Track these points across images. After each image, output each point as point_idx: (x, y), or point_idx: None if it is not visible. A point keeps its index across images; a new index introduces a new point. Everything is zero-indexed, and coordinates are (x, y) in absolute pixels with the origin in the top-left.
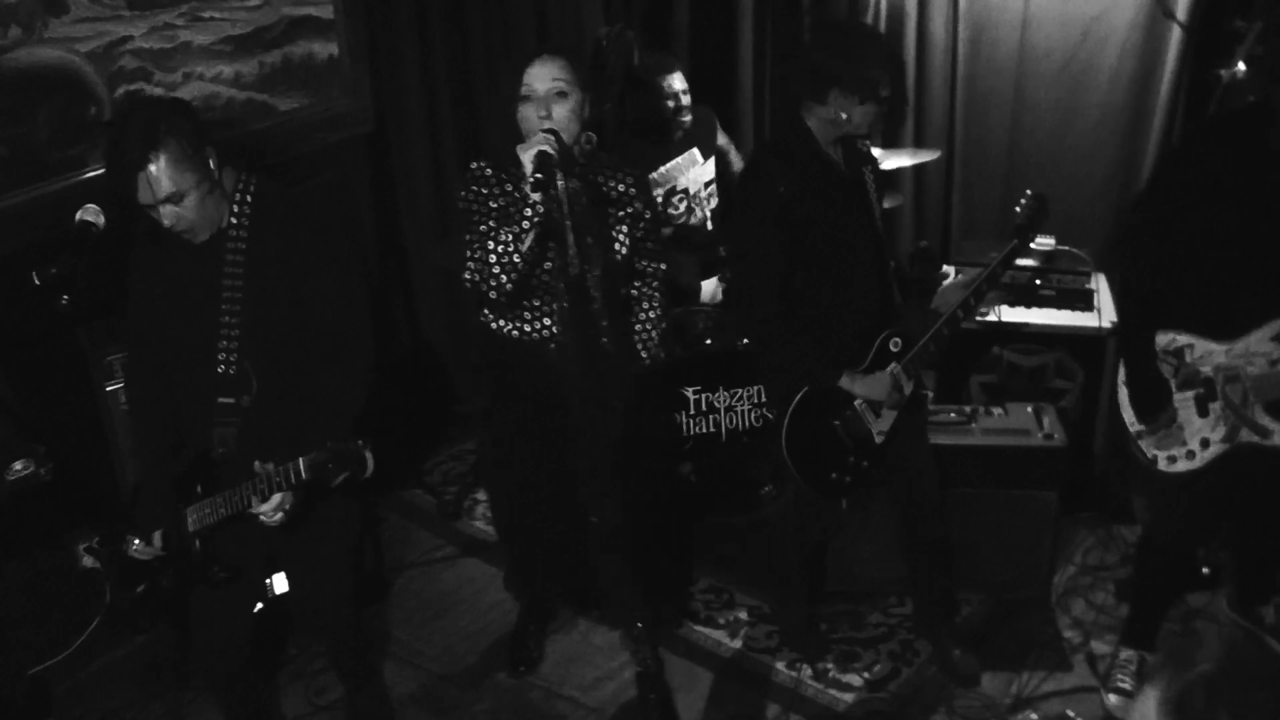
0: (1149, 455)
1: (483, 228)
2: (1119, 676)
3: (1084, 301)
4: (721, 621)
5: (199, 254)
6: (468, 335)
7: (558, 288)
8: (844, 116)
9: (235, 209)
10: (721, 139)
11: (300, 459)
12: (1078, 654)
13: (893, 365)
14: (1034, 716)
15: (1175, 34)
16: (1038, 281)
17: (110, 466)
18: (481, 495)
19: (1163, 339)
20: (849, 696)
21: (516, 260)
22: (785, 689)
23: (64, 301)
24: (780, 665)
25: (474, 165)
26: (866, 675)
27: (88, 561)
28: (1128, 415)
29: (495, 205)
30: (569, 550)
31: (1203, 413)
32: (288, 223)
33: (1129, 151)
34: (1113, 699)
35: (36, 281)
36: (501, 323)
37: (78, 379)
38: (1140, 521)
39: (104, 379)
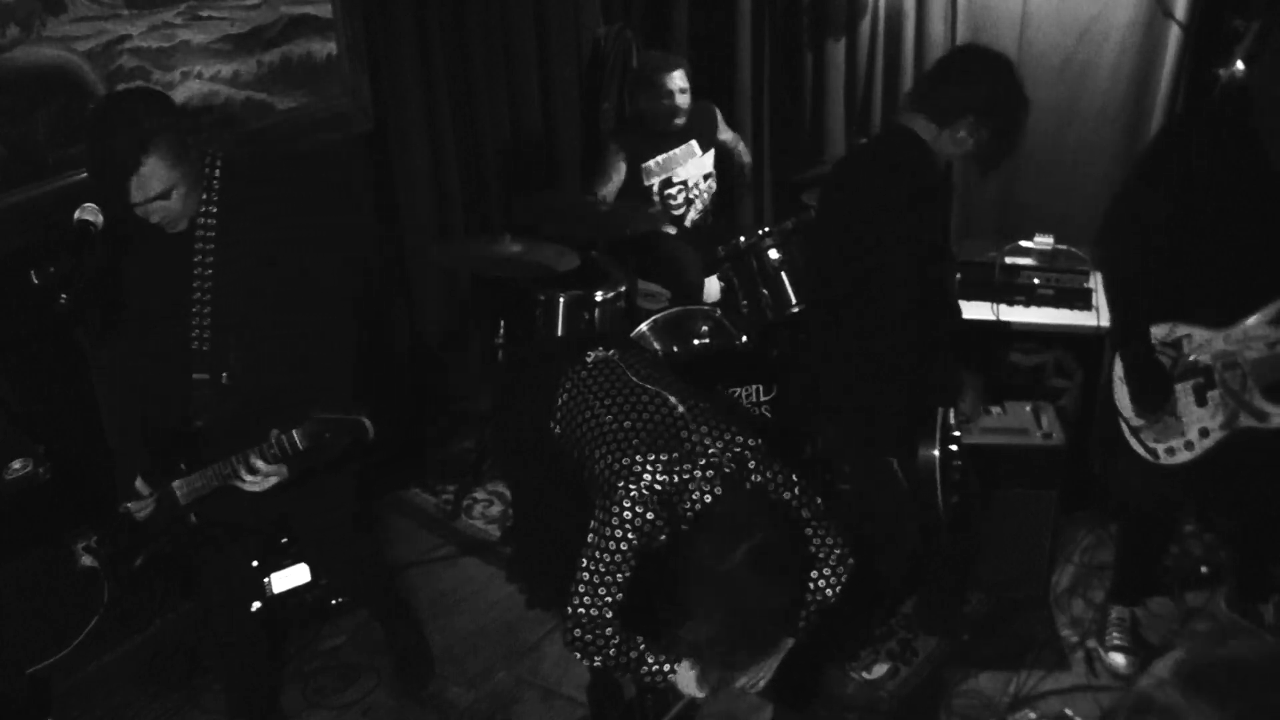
0: (1149, 448)
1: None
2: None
3: (1082, 300)
4: None
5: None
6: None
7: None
8: (969, 141)
9: (204, 187)
10: (727, 134)
11: (294, 430)
12: (1076, 653)
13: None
14: (1032, 716)
15: (1174, 33)
16: (1036, 280)
17: (109, 466)
18: (480, 495)
19: (1160, 330)
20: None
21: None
22: None
23: (63, 301)
24: None
25: (641, 489)
26: (865, 675)
27: (86, 560)
28: (1126, 411)
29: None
30: None
31: (1201, 402)
32: (258, 199)
33: (1128, 151)
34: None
35: (35, 281)
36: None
37: (76, 378)
38: (1118, 504)
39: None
